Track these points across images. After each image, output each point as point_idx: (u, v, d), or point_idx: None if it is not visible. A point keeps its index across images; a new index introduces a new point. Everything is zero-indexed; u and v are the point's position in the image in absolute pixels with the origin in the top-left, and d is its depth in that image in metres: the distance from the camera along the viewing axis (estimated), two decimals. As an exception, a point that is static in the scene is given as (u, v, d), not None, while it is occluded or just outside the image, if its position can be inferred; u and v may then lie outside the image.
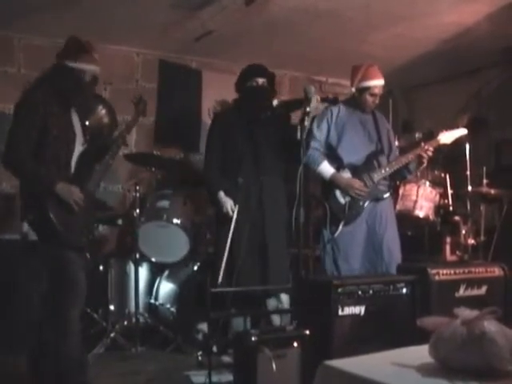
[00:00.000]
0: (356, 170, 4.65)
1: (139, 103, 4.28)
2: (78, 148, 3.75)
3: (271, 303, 4.70)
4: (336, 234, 4.57)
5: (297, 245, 3.86)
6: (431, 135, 4.90)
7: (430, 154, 4.65)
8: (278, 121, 4.77)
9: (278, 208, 4.70)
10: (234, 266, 4.48)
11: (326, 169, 4.64)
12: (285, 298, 4.69)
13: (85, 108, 3.89)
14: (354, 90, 4.76)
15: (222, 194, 4.66)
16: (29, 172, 3.56)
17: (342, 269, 4.56)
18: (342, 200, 4.62)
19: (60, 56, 3.74)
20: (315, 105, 4.20)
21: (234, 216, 4.54)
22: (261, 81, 4.75)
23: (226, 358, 4.44)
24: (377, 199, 4.67)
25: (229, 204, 4.62)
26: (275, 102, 4.51)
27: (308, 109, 3.96)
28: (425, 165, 4.76)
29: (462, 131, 4.81)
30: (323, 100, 4.34)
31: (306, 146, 4.33)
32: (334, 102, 4.55)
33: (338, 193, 4.63)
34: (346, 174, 4.65)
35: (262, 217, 4.62)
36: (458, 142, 5.33)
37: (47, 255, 3.64)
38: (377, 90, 4.71)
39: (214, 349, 4.59)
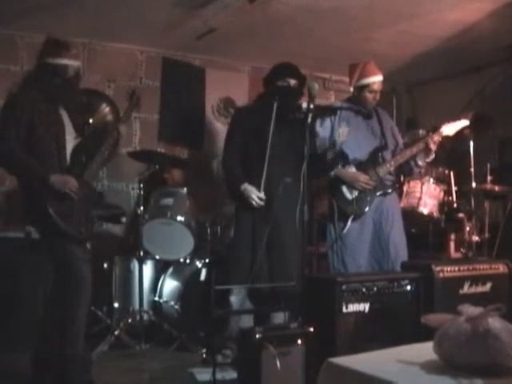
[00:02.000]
0: (361, 166, 4.66)
1: (132, 97, 4.28)
2: (70, 141, 3.78)
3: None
4: (345, 231, 4.57)
5: (301, 242, 3.85)
6: (434, 130, 4.89)
7: (436, 141, 4.64)
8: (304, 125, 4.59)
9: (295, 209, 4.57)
10: (252, 264, 4.44)
11: (331, 165, 4.65)
12: None
13: (73, 103, 3.90)
14: (352, 89, 4.78)
15: (246, 184, 4.53)
16: (20, 165, 3.59)
17: (349, 265, 4.56)
18: (348, 196, 4.62)
19: (41, 55, 3.78)
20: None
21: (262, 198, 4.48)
22: (292, 82, 4.62)
23: (227, 352, 4.43)
24: (383, 194, 4.67)
25: (255, 193, 4.49)
26: (304, 105, 4.38)
27: (312, 106, 3.96)
28: (433, 156, 4.73)
29: (464, 122, 4.80)
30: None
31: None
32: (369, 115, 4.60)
33: (344, 189, 4.63)
34: (352, 170, 4.65)
35: (280, 218, 4.47)
36: (462, 139, 5.33)
37: (51, 253, 3.66)
38: (376, 87, 4.71)
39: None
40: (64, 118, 3.82)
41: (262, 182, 4.46)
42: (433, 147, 4.65)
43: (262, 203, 4.49)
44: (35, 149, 3.61)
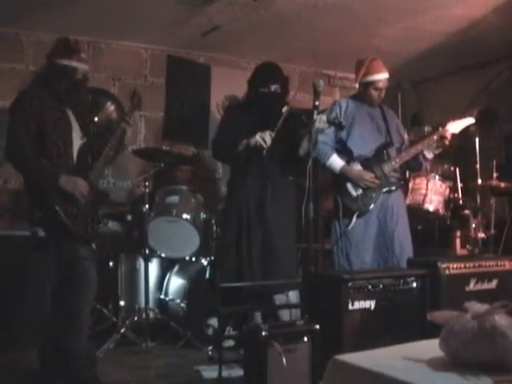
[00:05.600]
0: (366, 162, 4.65)
1: (134, 97, 4.29)
2: (77, 140, 3.81)
3: (280, 300, 4.65)
4: (350, 227, 4.57)
5: (306, 240, 3.85)
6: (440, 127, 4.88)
7: (448, 135, 4.62)
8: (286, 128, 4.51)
9: (286, 207, 4.62)
10: (240, 264, 4.49)
11: (336, 162, 4.63)
12: (292, 295, 4.65)
13: (78, 106, 3.92)
14: (357, 85, 4.77)
15: (244, 140, 4.51)
16: (30, 162, 3.62)
17: (354, 262, 4.56)
18: (353, 193, 4.62)
19: (51, 55, 3.81)
20: (320, 125, 4.18)
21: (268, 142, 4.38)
22: (274, 87, 4.62)
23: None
24: (388, 191, 4.66)
25: (258, 135, 4.41)
26: (285, 109, 4.39)
27: (317, 103, 3.95)
28: (447, 143, 4.68)
29: (470, 120, 4.78)
30: (329, 123, 4.29)
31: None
32: (340, 126, 4.47)
33: (349, 185, 4.63)
34: (357, 167, 4.65)
35: (270, 218, 4.53)
36: (468, 136, 5.31)
37: (57, 252, 3.67)
38: (381, 84, 4.69)
39: (231, 343, 4.65)
40: (71, 117, 3.84)
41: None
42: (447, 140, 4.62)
43: (266, 144, 4.38)
44: (44, 148, 3.63)
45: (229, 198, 4.84)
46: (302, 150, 4.53)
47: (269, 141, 4.37)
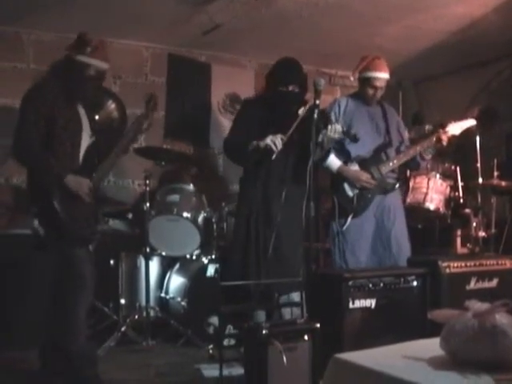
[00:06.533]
0: (364, 163, 4.64)
1: (149, 101, 4.26)
2: (86, 140, 3.80)
3: (282, 300, 4.63)
4: (345, 227, 4.57)
5: (307, 239, 3.85)
6: (441, 126, 4.87)
7: (448, 136, 4.62)
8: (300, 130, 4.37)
9: (297, 212, 4.50)
10: (247, 266, 4.45)
11: (334, 162, 4.63)
12: (294, 293, 4.62)
13: (89, 101, 3.91)
14: (352, 78, 4.76)
15: (254, 142, 4.38)
16: (38, 159, 3.60)
17: (350, 261, 4.57)
18: (350, 193, 4.62)
19: (68, 49, 3.81)
20: (335, 135, 4.15)
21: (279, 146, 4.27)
22: (291, 87, 4.49)
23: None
24: (385, 191, 4.65)
25: (268, 138, 4.30)
26: (301, 111, 4.31)
27: (318, 101, 3.94)
28: (444, 144, 4.69)
29: (471, 122, 4.78)
30: (344, 134, 4.25)
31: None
32: (354, 139, 4.42)
33: (346, 185, 4.63)
34: (354, 167, 4.64)
35: (280, 221, 4.34)
36: (469, 134, 5.31)
37: (54, 253, 3.67)
38: (377, 83, 4.65)
39: (232, 341, 4.61)
40: (82, 116, 3.83)
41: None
42: (444, 142, 4.62)
43: (276, 148, 4.28)
44: (50, 147, 3.61)
45: (240, 198, 4.77)
46: (314, 155, 4.47)
47: (280, 145, 4.27)
